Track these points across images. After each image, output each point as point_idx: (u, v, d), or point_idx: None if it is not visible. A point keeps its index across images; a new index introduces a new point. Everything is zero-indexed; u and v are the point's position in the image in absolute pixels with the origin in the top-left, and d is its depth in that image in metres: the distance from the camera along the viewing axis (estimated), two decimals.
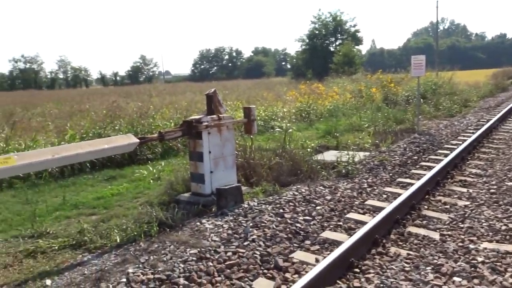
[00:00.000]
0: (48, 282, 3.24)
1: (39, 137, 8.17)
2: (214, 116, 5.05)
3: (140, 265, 3.38)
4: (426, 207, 4.85)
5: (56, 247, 3.89)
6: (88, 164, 7.12)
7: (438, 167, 6.00)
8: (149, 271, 3.25)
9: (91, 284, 3.16)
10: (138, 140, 4.35)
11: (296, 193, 5.18)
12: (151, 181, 6.27)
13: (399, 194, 4.95)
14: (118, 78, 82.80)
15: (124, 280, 3.15)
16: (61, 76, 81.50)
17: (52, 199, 5.59)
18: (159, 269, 3.29)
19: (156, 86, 37.53)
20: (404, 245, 3.83)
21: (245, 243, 3.74)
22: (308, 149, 7.27)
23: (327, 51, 48.19)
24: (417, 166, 6.70)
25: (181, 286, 3.05)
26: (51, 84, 74.12)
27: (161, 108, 12.51)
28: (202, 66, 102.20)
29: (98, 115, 11.11)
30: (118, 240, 3.95)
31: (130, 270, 3.28)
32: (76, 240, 4.00)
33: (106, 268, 3.41)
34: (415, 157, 7.31)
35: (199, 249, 3.60)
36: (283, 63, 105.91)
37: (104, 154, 4.55)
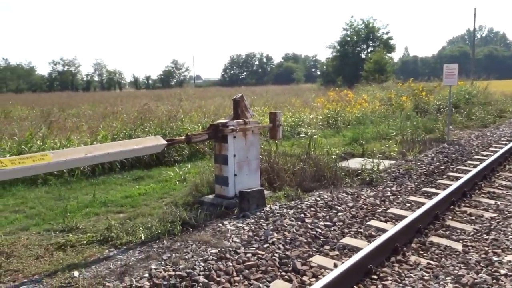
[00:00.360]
0: (76, 273, 3.41)
1: (73, 137, 8.53)
2: (240, 120, 5.15)
3: (163, 262, 3.50)
4: (450, 217, 4.78)
5: (85, 242, 4.09)
6: (118, 164, 7.40)
7: (465, 177, 5.88)
8: (171, 268, 3.37)
9: (116, 278, 3.31)
10: (165, 142, 4.50)
11: (318, 198, 5.20)
12: (177, 182, 6.45)
13: (423, 204, 4.89)
14: (150, 81, 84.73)
15: (147, 275, 3.28)
16: (96, 78, 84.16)
17: (83, 196, 5.85)
18: (181, 266, 3.40)
19: (186, 90, 38.16)
20: (425, 254, 3.80)
21: (265, 246, 3.81)
22: (333, 156, 7.27)
23: (358, 58, 47.84)
24: (444, 176, 6.58)
25: (200, 284, 3.14)
26: (87, 87, 76.62)
27: (190, 111, 12.78)
28: (232, 71, 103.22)
29: (130, 117, 11.47)
30: (142, 238, 4.10)
31: (153, 266, 3.40)
32: (103, 235, 4.19)
33: (130, 263, 3.56)
34: (443, 167, 7.17)
35: (219, 249, 3.69)
36: (313, 69, 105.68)
37: (133, 154, 4.73)
